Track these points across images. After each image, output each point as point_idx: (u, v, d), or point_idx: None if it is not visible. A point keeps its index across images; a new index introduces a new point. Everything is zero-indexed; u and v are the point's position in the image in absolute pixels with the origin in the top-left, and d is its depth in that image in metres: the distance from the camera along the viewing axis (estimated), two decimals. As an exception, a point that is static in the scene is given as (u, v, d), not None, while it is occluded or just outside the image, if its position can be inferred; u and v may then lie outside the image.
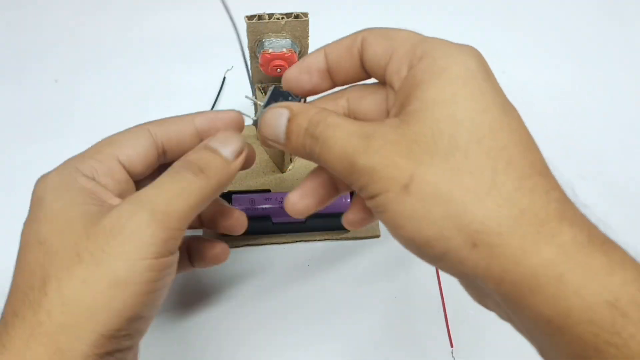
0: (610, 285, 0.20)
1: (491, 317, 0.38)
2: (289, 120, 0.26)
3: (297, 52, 0.37)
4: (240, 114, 0.29)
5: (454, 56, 0.23)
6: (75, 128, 0.48)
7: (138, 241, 0.23)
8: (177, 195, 0.24)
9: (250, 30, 0.36)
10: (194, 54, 0.54)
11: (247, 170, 0.44)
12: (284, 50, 0.37)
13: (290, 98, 0.29)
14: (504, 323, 0.39)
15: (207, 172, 0.26)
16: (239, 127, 0.30)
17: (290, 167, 0.45)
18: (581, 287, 0.20)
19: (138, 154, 0.27)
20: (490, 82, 0.23)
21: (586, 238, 0.21)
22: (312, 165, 0.29)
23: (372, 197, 0.23)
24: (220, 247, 0.33)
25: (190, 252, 0.33)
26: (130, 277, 0.23)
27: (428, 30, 0.60)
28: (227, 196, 0.40)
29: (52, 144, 0.47)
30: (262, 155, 0.45)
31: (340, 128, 0.24)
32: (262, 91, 0.40)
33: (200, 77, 0.52)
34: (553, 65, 0.54)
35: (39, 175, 0.46)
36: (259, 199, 0.40)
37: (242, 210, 0.39)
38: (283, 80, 0.28)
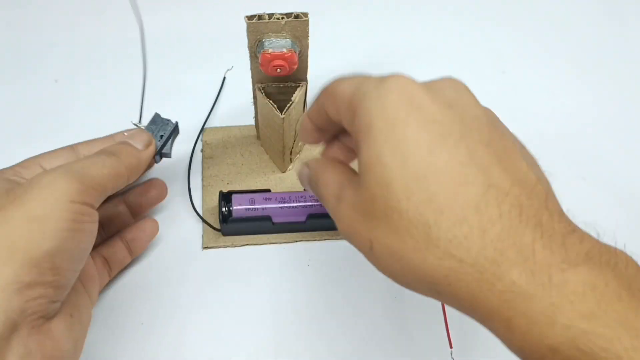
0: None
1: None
2: (309, 177, 0.30)
3: (297, 51, 0.37)
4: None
5: (375, 107, 0.23)
6: (75, 128, 0.48)
7: (53, 188, 0.27)
8: (92, 164, 0.30)
9: (250, 30, 0.36)
10: (195, 54, 0.54)
11: (247, 170, 0.44)
12: (284, 50, 0.36)
13: (168, 123, 0.37)
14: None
15: (119, 155, 0.32)
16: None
17: (290, 167, 0.45)
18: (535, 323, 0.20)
19: (59, 162, 0.32)
20: (411, 123, 0.22)
21: (526, 280, 0.20)
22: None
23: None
24: (155, 182, 0.40)
25: (108, 260, 0.37)
26: (47, 214, 0.26)
27: (429, 30, 0.60)
28: (227, 196, 0.40)
29: (52, 144, 0.47)
30: (262, 155, 0.46)
31: (326, 187, 0.27)
32: (262, 91, 0.39)
33: (201, 77, 0.52)
34: (553, 65, 0.54)
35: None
36: (259, 199, 0.40)
37: (242, 210, 0.39)
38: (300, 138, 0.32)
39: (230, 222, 0.40)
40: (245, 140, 0.46)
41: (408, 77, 0.24)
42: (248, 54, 0.38)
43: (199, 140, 0.46)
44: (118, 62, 0.53)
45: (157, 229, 0.39)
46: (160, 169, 0.41)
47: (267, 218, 0.40)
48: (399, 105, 0.23)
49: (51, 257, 0.26)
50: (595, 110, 0.50)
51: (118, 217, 0.39)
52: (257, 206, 0.40)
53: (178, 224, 0.42)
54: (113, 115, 0.49)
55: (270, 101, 0.39)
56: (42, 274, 0.26)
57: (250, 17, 0.36)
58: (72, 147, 0.34)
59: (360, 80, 0.25)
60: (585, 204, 0.44)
